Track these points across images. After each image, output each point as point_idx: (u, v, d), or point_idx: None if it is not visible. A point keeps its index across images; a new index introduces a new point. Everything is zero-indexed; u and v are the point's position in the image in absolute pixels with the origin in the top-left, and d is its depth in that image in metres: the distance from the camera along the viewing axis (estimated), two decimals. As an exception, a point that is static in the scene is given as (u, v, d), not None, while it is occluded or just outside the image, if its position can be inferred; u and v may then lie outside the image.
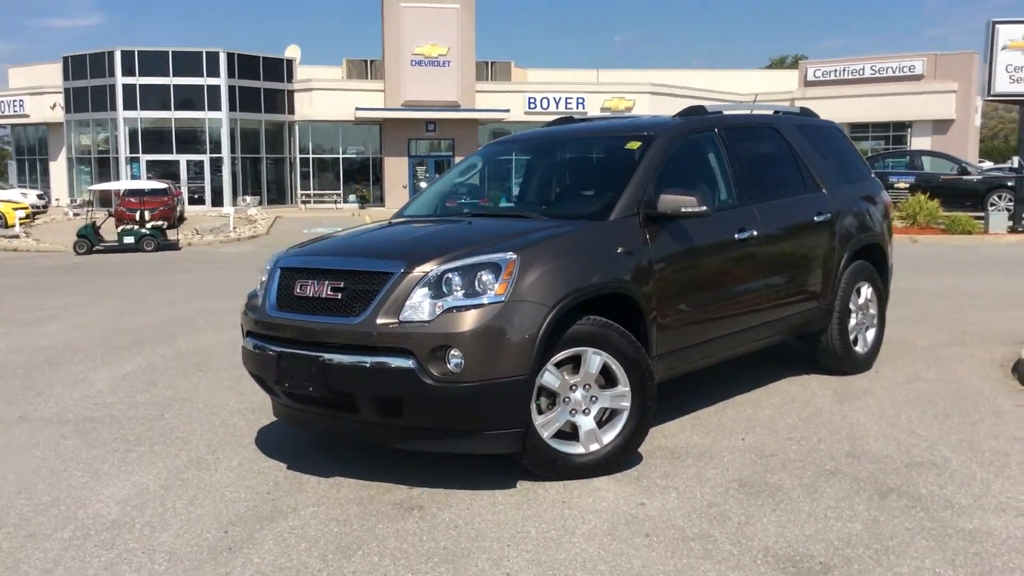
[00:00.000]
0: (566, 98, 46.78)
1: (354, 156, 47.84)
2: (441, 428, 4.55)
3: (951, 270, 13.69)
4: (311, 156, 47.02)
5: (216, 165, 44.09)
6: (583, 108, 46.54)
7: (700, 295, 5.49)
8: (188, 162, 43.96)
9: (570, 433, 4.77)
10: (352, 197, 46.22)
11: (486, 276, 4.46)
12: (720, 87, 51.16)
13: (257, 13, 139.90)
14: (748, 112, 6.76)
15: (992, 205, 22.13)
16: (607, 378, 4.78)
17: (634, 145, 5.60)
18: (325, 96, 45.68)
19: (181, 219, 32.88)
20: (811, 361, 6.93)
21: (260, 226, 32.44)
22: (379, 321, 4.47)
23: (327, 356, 4.57)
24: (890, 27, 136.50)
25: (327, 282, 4.75)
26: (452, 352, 4.35)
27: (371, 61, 50.58)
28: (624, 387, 4.77)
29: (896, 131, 49.84)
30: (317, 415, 4.93)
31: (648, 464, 4.94)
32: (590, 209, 5.30)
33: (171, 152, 43.77)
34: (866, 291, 6.99)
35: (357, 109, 43.84)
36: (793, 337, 6.54)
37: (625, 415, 4.80)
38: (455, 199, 6.52)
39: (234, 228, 31.05)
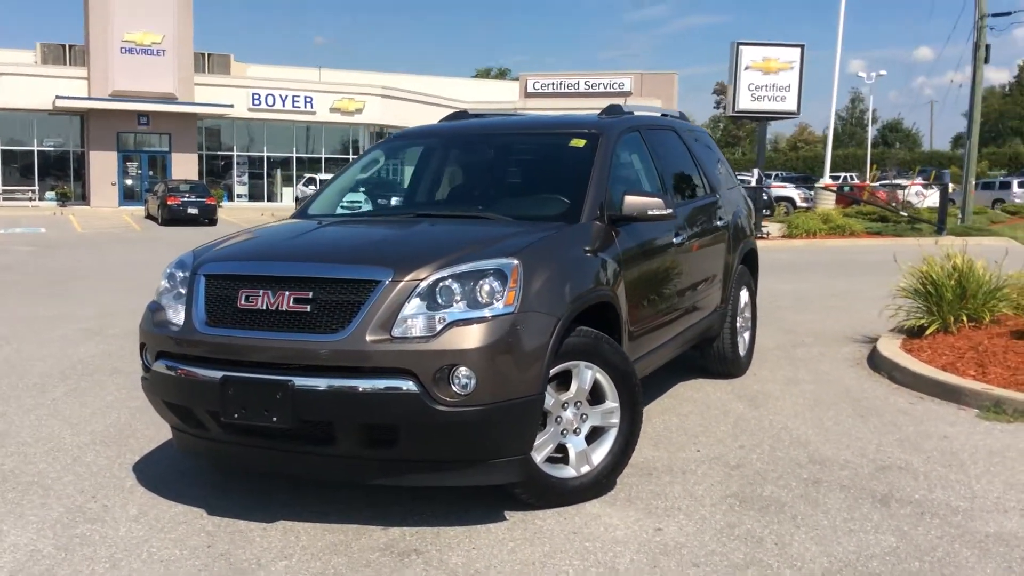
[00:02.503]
0: (293, 96, 45.24)
1: (51, 149, 43.22)
2: (439, 459, 3.93)
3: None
4: (-1, 148, 41.85)
5: None
6: (311, 107, 45.33)
7: (653, 301, 5.24)
8: None
9: (558, 456, 4.31)
10: (50, 194, 41.77)
11: (491, 284, 3.90)
12: (444, 93, 51.82)
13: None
14: (650, 115, 6.58)
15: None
16: (594, 394, 4.38)
17: (579, 143, 5.21)
18: (16, 82, 40.94)
19: None
20: (694, 366, 6.91)
21: (-54, 226, 28.31)
22: (369, 338, 3.77)
23: (299, 381, 3.80)
24: (572, 48, 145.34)
25: (287, 292, 3.95)
26: (461, 372, 3.76)
27: (71, 46, 46.16)
28: (613, 402, 4.38)
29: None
30: (266, 451, 4.09)
31: (625, 483, 4.58)
32: (554, 211, 4.84)
33: None
34: (744, 295, 7.07)
35: (58, 97, 39.76)
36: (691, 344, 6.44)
37: (614, 432, 4.40)
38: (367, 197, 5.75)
39: (-86, 228, 26.88)
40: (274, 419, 3.84)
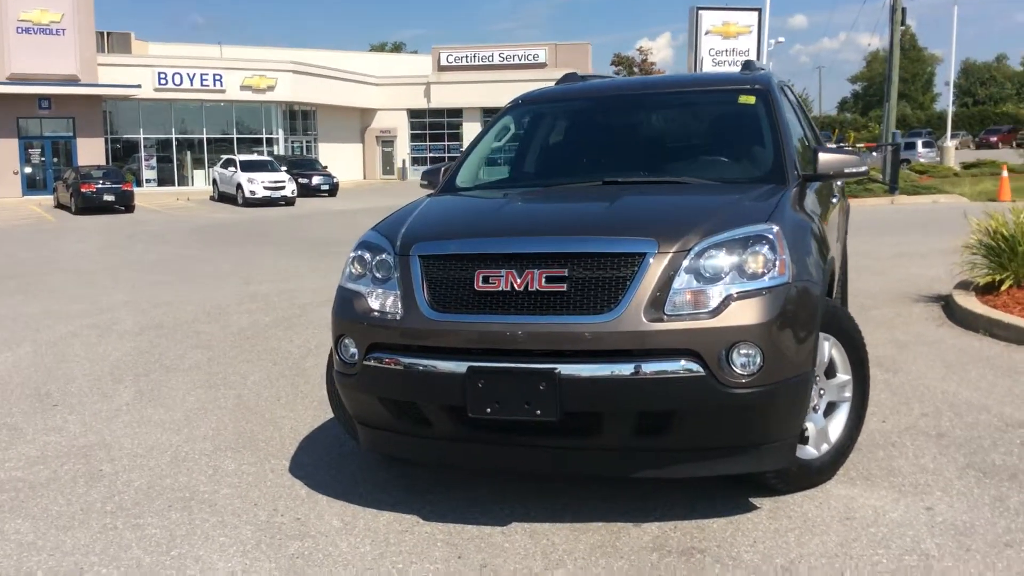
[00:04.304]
0: (201, 74, 43.29)
1: (-56, 136, 40.26)
2: (710, 446, 3.54)
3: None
4: None
5: None
6: (220, 85, 43.56)
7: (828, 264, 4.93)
8: None
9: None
10: (-54, 184, 39.01)
11: (762, 253, 3.52)
12: (352, 67, 50.70)
13: None
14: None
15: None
16: (827, 367, 4.06)
17: (749, 99, 4.84)
18: (-97, 66, 37.90)
19: None
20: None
21: None
22: (644, 318, 3.35)
23: (565, 369, 3.35)
24: (468, 21, 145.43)
25: (536, 271, 3.48)
26: (744, 350, 3.38)
27: (-44, 26, 42.93)
28: (845, 375, 4.08)
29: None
30: (511, 448, 3.63)
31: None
32: (758, 173, 4.47)
33: None
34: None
35: (-49, 81, 37.03)
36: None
37: (846, 407, 4.11)
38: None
39: None
40: (538, 412, 3.39)
